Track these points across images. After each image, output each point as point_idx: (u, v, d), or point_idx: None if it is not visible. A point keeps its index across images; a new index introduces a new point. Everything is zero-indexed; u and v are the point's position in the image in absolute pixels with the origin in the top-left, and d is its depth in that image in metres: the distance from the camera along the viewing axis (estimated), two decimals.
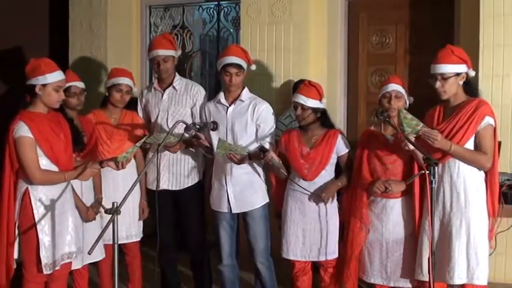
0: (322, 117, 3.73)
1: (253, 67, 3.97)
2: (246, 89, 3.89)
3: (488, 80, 4.38)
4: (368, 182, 3.54)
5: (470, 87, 3.44)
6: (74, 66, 5.76)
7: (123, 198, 2.82)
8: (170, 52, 4.02)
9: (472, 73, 3.41)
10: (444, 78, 3.34)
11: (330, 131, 3.72)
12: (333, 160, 3.70)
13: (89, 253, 2.75)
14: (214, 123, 3.78)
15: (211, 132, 3.85)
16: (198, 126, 3.74)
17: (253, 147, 3.78)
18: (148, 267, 4.23)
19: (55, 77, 3.28)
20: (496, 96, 4.31)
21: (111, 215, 2.74)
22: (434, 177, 3.02)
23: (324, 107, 3.72)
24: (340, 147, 3.70)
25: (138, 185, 4.05)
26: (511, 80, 4.42)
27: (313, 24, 5.22)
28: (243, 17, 5.27)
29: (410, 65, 5.21)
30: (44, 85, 3.24)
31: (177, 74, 4.13)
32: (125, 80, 4.04)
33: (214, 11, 5.90)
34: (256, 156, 3.71)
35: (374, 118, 3.57)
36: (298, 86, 4.84)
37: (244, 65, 3.81)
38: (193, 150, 4.04)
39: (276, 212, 3.92)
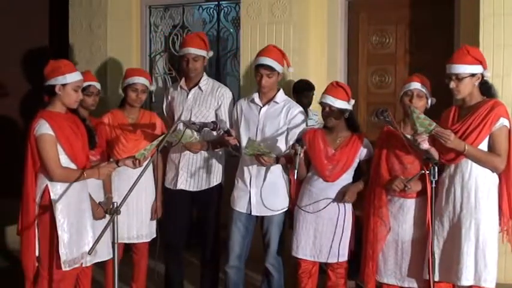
0: (349, 119, 3.67)
1: (291, 69, 3.92)
2: (281, 90, 3.81)
3: (489, 79, 4.37)
4: (386, 180, 3.50)
5: (487, 87, 3.41)
6: (76, 65, 5.76)
7: (123, 199, 2.82)
8: (202, 52, 3.95)
9: (488, 74, 3.38)
10: (459, 78, 3.30)
11: (356, 134, 3.67)
12: (355, 164, 3.66)
13: (89, 253, 2.77)
14: (214, 123, 3.74)
15: (241, 131, 3.81)
16: (197, 126, 3.72)
17: (283, 150, 3.73)
18: (150, 266, 4.23)
19: (74, 77, 3.35)
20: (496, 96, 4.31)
21: (116, 215, 2.75)
22: (434, 177, 3.02)
23: (351, 108, 3.66)
24: (364, 152, 3.65)
25: (153, 185, 4.06)
26: (511, 80, 4.43)
27: (313, 24, 5.22)
28: (243, 17, 5.27)
29: (411, 65, 5.21)
30: (63, 85, 3.31)
31: (204, 74, 4.06)
32: (140, 80, 4.04)
33: (214, 11, 5.90)
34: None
35: (374, 118, 3.54)
36: (297, 86, 4.88)
37: (278, 67, 3.70)
38: (220, 152, 3.99)
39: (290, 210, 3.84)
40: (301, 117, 3.78)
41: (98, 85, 3.97)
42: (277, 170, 3.76)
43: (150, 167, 4.01)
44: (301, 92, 4.80)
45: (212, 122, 3.75)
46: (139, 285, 4.22)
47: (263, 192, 3.75)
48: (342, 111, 3.60)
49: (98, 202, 3.70)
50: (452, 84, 3.32)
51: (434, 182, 3.14)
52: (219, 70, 5.90)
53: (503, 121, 3.28)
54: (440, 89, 3.48)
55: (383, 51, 5.33)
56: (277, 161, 3.66)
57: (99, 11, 5.89)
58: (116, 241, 2.78)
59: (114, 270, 2.83)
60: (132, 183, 3.78)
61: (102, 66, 5.83)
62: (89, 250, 2.72)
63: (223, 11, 5.86)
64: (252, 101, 3.83)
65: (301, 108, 3.84)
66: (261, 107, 3.80)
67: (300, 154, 3.46)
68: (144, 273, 4.21)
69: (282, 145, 3.76)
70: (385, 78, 5.32)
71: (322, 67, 5.36)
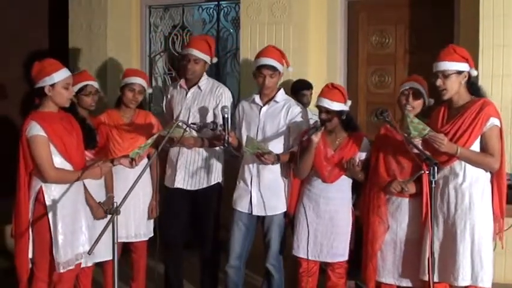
0: (347, 120, 3.66)
1: (291, 69, 3.93)
2: (281, 90, 3.83)
3: (488, 80, 4.38)
4: (385, 181, 3.50)
5: (475, 87, 3.42)
6: (74, 66, 5.77)
7: (123, 199, 2.82)
8: (204, 56, 3.97)
9: (474, 72, 3.38)
10: (445, 75, 3.32)
11: (355, 134, 3.68)
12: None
13: (89, 253, 2.77)
14: (214, 123, 3.74)
15: (242, 131, 3.82)
16: (197, 127, 3.73)
17: (284, 149, 3.74)
18: (149, 265, 4.24)
19: (62, 75, 3.29)
20: (496, 96, 4.30)
21: (111, 215, 2.75)
22: (434, 178, 3.02)
23: (348, 109, 3.65)
24: (364, 153, 3.65)
25: (150, 184, 4.09)
26: (510, 80, 4.43)
27: (313, 24, 5.22)
28: (243, 17, 5.27)
29: (410, 65, 5.21)
30: (52, 85, 3.26)
31: (205, 74, 4.07)
32: (137, 80, 4.04)
33: (214, 11, 5.90)
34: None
35: (374, 118, 3.55)
36: (296, 85, 4.87)
37: (279, 67, 3.73)
38: (219, 150, 4.00)
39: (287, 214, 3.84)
40: (302, 115, 3.79)
41: (95, 84, 3.92)
42: (278, 170, 3.76)
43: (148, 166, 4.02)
44: (299, 91, 4.80)
45: (212, 122, 3.76)
46: (139, 284, 4.22)
47: (264, 192, 3.76)
48: (339, 113, 3.60)
49: (98, 202, 3.70)
50: (439, 82, 3.33)
51: (434, 182, 3.14)
52: (219, 70, 5.90)
53: (494, 121, 3.28)
54: (438, 88, 3.48)
55: (383, 51, 5.33)
56: (278, 159, 3.66)
57: (99, 11, 5.90)
58: (116, 241, 2.78)
59: (114, 270, 2.83)
60: (129, 183, 3.79)
61: (102, 66, 5.84)
62: (89, 250, 2.72)
63: (223, 11, 5.86)
64: (253, 101, 3.84)
65: (301, 107, 3.84)
66: (261, 107, 3.81)
67: (317, 134, 3.48)
68: (143, 272, 4.21)
69: (282, 144, 3.76)
70: (384, 78, 5.32)
71: (322, 67, 5.36)
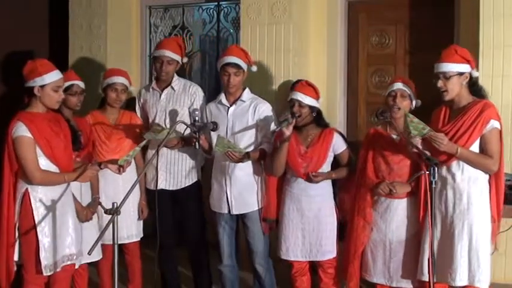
0: (318, 117, 3.75)
1: (254, 68, 3.96)
2: (247, 89, 3.90)
3: (488, 80, 4.37)
4: (372, 182, 3.53)
5: (476, 88, 3.43)
6: (74, 66, 5.76)
7: (123, 199, 2.81)
8: (176, 57, 4.04)
9: (476, 73, 3.39)
10: (446, 77, 3.33)
11: (326, 130, 3.74)
12: (329, 158, 3.72)
13: (89, 253, 2.75)
14: (214, 123, 3.78)
15: (212, 133, 3.85)
16: (197, 127, 3.73)
17: (253, 147, 3.78)
18: (148, 268, 4.23)
19: (53, 77, 3.27)
20: (496, 97, 4.29)
21: (111, 216, 2.74)
22: (434, 178, 3.02)
23: (319, 107, 3.74)
24: (338, 145, 3.71)
25: (138, 185, 4.07)
26: (510, 80, 4.42)
27: (313, 25, 5.21)
28: (243, 18, 5.27)
29: (410, 65, 5.20)
30: (42, 86, 3.23)
31: (175, 74, 4.13)
32: (119, 79, 4.04)
33: (214, 11, 5.90)
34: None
35: (374, 118, 3.57)
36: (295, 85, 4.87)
37: (243, 65, 3.81)
38: (196, 148, 4.00)
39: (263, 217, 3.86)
40: (269, 111, 3.84)
41: (81, 84, 3.90)
42: (249, 167, 3.81)
43: (135, 167, 4.04)
44: None
45: (212, 122, 3.80)
46: (136, 285, 4.22)
47: (239, 190, 3.80)
48: (311, 108, 3.65)
49: (86, 205, 3.68)
50: (440, 83, 3.35)
51: (434, 182, 3.14)
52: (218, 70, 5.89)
53: (494, 123, 3.29)
54: (440, 89, 3.48)
55: (383, 51, 5.32)
56: (248, 156, 3.68)
57: (99, 11, 5.89)
58: (116, 241, 2.77)
59: (114, 271, 2.81)
60: (118, 185, 3.84)
61: (102, 66, 5.83)
62: (89, 251, 2.70)
63: (223, 11, 5.86)
64: (220, 102, 3.89)
65: (268, 104, 3.89)
66: (228, 107, 3.85)
67: (289, 126, 3.52)
68: (139, 273, 4.22)
69: (252, 142, 3.81)
70: (384, 78, 5.31)
71: (322, 67, 5.35)
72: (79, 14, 5.95)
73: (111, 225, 2.72)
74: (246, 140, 3.80)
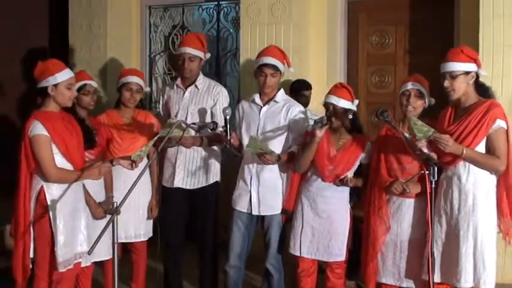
0: (353, 120, 3.66)
1: (292, 69, 3.92)
2: (281, 90, 3.84)
3: (488, 80, 4.36)
4: (386, 181, 3.50)
5: (482, 88, 3.41)
6: (74, 66, 5.77)
7: (123, 199, 2.82)
8: (198, 53, 3.98)
9: (483, 73, 3.36)
10: (452, 76, 3.30)
11: (359, 137, 3.67)
12: (355, 167, 3.65)
13: (89, 253, 2.77)
14: (214, 123, 3.75)
15: (242, 132, 3.83)
16: (197, 127, 3.73)
17: (283, 149, 3.75)
18: (151, 266, 4.23)
19: (65, 75, 3.32)
20: (496, 97, 4.30)
21: (111, 215, 2.75)
22: (434, 178, 3.02)
23: (355, 109, 3.65)
24: (367, 155, 3.64)
25: (150, 184, 4.09)
26: (510, 80, 4.43)
27: (313, 24, 5.22)
28: (243, 17, 5.27)
29: (410, 65, 5.21)
30: (55, 85, 3.29)
31: (201, 73, 4.09)
32: (134, 79, 4.05)
33: (214, 11, 5.90)
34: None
35: (374, 118, 3.55)
36: (296, 86, 4.87)
37: (280, 66, 3.74)
38: (217, 149, 4.01)
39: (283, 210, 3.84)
40: (302, 115, 3.79)
41: (94, 83, 3.93)
42: (276, 169, 3.77)
43: (148, 167, 4.02)
44: (298, 91, 4.80)
45: (212, 122, 3.77)
46: (139, 285, 4.22)
47: (263, 192, 3.77)
48: (345, 111, 3.60)
49: (98, 202, 3.70)
50: (447, 83, 3.32)
51: (434, 182, 3.13)
52: (218, 70, 5.90)
53: (500, 123, 3.27)
54: (440, 89, 3.48)
55: (383, 51, 5.33)
56: (279, 159, 3.66)
57: (99, 11, 5.90)
58: (116, 241, 2.78)
59: (114, 271, 2.83)
60: (130, 183, 3.81)
61: (102, 66, 5.84)
62: (89, 250, 2.72)
63: (223, 11, 5.86)
64: (253, 101, 3.85)
65: (301, 107, 3.85)
66: (261, 107, 3.81)
67: (322, 129, 3.48)
68: (143, 272, 4.22)
69: (282, 144, 3.77)
70: (384, 78, 5.32)
71: (322, 67, 5.36)
72: (79, 13, 5.96)
73: (118, 224, 2.72)
74: (277, 142, 3.75)
